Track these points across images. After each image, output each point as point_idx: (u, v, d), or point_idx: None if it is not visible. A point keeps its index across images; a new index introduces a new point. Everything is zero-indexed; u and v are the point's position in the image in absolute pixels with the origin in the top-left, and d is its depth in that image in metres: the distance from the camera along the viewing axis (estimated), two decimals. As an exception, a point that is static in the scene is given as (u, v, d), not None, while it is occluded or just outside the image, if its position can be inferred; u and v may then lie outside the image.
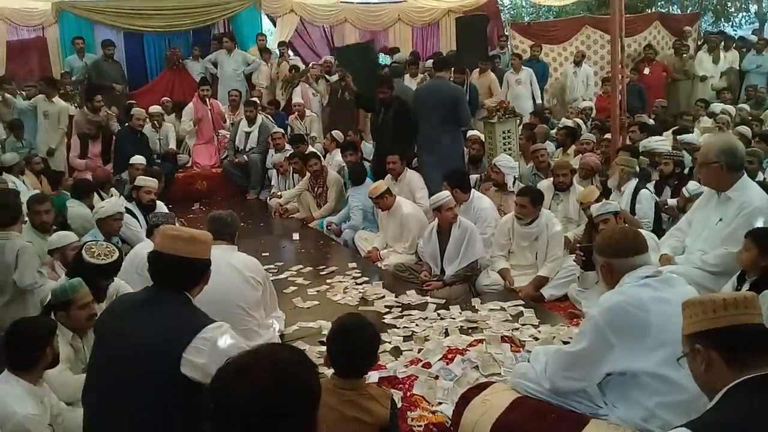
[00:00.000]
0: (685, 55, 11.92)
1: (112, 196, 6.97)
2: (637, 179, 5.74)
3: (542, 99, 11.11)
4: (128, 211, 5.68)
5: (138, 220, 5.73)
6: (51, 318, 3.20)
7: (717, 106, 9.32)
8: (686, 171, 6.15)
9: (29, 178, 7.38)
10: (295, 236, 6.72)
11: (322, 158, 7.64)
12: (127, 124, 8.83)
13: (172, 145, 9.45)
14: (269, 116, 9.79)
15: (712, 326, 1.80)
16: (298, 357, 1.45)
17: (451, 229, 5.08)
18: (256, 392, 1.34)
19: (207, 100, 9.72)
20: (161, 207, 6.17)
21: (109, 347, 2.32)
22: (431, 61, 10.13)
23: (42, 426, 2.71)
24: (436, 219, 5.22)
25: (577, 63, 11.59)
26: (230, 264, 3.57)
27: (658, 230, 5.16)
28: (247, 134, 9.34)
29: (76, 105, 9.30)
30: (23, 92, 9.03)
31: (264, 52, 11.27)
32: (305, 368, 1.43)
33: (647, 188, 5.71)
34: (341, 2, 12.85)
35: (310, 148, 8.31)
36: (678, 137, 7.06)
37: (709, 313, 1.80)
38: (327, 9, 12.77)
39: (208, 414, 1.38)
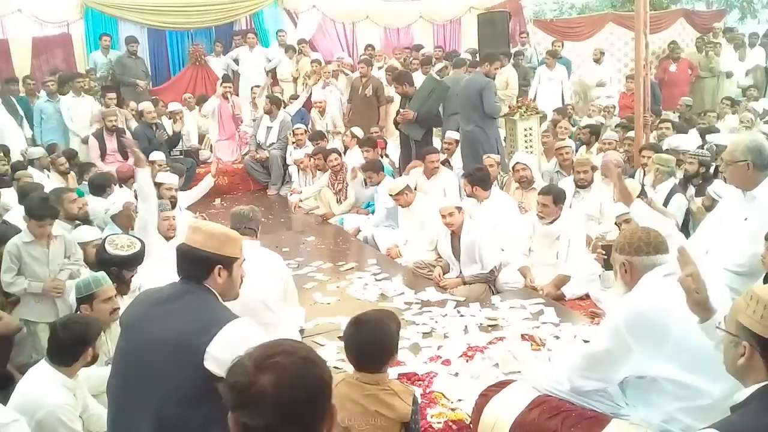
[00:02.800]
0: (711, 52, 11.75)
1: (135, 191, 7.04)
2: (675, 180, 5.62)
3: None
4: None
5: None
6: (97, 319, 3.26)
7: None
8: (711, 170, 6.05)
9: (54, 174, 7.47)
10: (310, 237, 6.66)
11: (342, 154, 7.65)
12: (141, 119, 8.91)
13: (194, 141, 9.54)
14: (290, 113, 9.85)
15: None
16: (309, 349, 1.51)
17: (461, 235, 5.02)
18: (281, 381, 1.38)
19: (228, 96, 9.79)
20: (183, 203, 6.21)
21: (134, 340, 2.34)
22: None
23: (74, 416, 2.76)
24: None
25: (597, 61, 11.49)
26: (252, 259, 3.57)
27: (686, 234, 5.06)
28: (269, 129, 9.39)
29: (97, 99, 9.40)
30: (46, 89, 9.13)
31: (289, 49, 11.31)
32: (318, 358, 1.49)
33: (682, 193, 5.60)
34: (364, -1, 12.87)
35: (331, 144, 8.34)
36: (707, 136, 6.94)
37: None
38: (349, 6, 12.77)
39: (231, 406, 1.42)
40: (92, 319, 3.16)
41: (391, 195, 5.97)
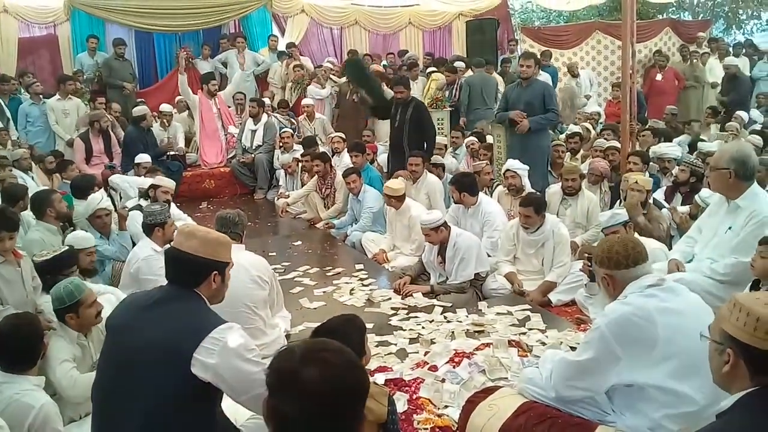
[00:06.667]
0: (695, 61, 11.88)
1: (121, 195, 6.99)
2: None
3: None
4: (140, 208, 5.66)
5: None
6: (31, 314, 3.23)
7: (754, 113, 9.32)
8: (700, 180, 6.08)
9: (39, 175, 7.40)
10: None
11: (329, 160, 7.54)
12: (141, 122, 8.81)
13: (181, 144, 9.49)
14: (278, 116, 9.82)
15: (754, 344, 1.77)
16: (354, 355, 1.53)
17: (447, 246, 4.97)
18: (325, 375, 1.42)
19: (214, 95, 9.70)
20: (179, 214, 6.14)
21: (120, 344, 2.32)
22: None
23: (58, 416, 2.75)
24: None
25: (574, 75, 11.59)
26: (238, 263, 3.54)
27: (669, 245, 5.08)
28: (253, 132, 9.35)
29: (86, 103, 9.35)
30: (33, 90, 9.04)
31: (281, 54, 11.29)
32: (362, 366, 1.55)
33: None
34: (353, 4, 12.87)
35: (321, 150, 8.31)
36: (699, 145, 7.00)
37: (758, 332, 1.77)
38: (338, 10, 12.80)
39: (271, 390, 1.44)
40: (29, 314, 3.13)
41: (389, 194, 5.90)
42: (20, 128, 8.81)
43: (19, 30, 10.64)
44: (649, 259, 2.61)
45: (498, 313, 4.35)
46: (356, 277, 5.32)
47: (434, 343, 3.87)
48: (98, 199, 5.51)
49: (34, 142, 8.70)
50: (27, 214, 5.26)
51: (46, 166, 7.55)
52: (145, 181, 6.49)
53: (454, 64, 10.17)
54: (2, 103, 8.66)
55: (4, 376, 2.76)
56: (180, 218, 6.01)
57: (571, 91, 11.46)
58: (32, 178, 7.15)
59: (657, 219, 5.08)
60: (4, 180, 6.27)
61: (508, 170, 6.03)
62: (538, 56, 9.47)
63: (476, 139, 7.98)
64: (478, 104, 9.52)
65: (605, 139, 7.65)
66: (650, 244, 4.36)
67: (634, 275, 2.54)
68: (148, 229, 4.40)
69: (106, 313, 2.88)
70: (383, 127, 8.86)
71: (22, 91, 9.26)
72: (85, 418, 3.04)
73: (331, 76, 10.85)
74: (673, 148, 6.80)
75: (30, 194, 5.35)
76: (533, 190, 5.86)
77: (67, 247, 3.94)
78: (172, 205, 6.07)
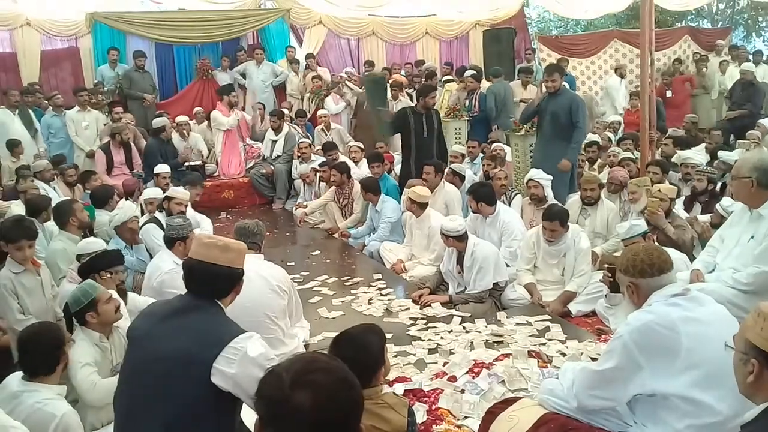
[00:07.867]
0: (704, 70, 11.81)
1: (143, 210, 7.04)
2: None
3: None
4: (156, 220, 5.71)
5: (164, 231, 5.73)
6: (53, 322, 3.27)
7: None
8: (718, 187, 6.03)
9: (60, 186, 7.49)
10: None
11: (347, 171, 7.53)
12: (161, 134, 8.92)
13: (204, 153, 9.58)
14: (296, 126, 9.88)
15: None
16: (346, 369, 1.49)
17: (465, 255, 4.97)
18: (318, 400, 1.37)
19: (233, 106, 9.78)
20: (194, 215, 6.16)
21: (141, 354, 2.33)
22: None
23: (79, 426, 2.78)
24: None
25: (623, 75, 11.54)
26: (257, 273, 3.58)
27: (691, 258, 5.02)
28: (273, 143, 9.43)
29: (106, 114, 9.46)
30: (53, 102, 9.18)
31: (293, 63, 11.38)
32: (354, 380, 1.48)
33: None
34: (370, 15, 12.94)
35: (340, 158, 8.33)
36: (719, 153, 6.94)
37: None
38: (355, 21, 12.86)
39: (265, 421, 1.41)
40: (49, 322, 3.18)
41: (413, 198, 5.88)
42: (44, 140, 8.94)
43: (42, 43, 10.84)
44: (673, 269, 2.59)
45: (517, 324, 4.33)
46: (374, 286, 5.32)
47: (453, 353, 3.85)
48: (133, 207, 5.55)
49: (57, 153, 8.80)
50: (50, 225, 5.33)
51: (66, 179, 7.64)
52: (159, 192, 6.50)
53: (470, 74, 10.17)
54: (32, 115, 8.79)
55: (25, 385, 2.80)
56: (196, 221, 6.00)
57: (590, 101, 11.42)
58: (54, 189, 7.23)
59: (682, 227, 5.04)
60: (26, 191, 6.35)
61: (531, 180, 5.99)
62: (559, 65, 9.48)
63: (500, 146, 7.97)
64: (500, 113, 9.54)
65: (624, 148, 7.61)
66: (671, 254, 4.33)
67: (659, 284, 2.52)
68: (170, 242, 4.37)
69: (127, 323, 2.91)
70: (396, 137, 8.87)
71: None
72: (106, 426, 3.07)
73: (347, 83, 10.89)
74: (698, 155, 6.75)
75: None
76: (556, 201, 5.83)
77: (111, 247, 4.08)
78: (191, 211, 6.11)
